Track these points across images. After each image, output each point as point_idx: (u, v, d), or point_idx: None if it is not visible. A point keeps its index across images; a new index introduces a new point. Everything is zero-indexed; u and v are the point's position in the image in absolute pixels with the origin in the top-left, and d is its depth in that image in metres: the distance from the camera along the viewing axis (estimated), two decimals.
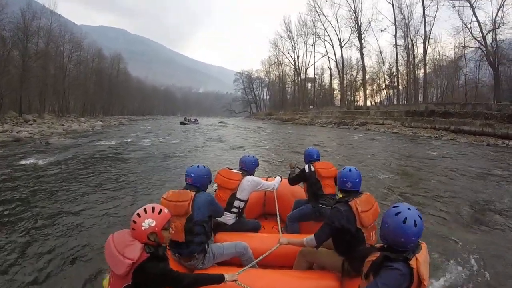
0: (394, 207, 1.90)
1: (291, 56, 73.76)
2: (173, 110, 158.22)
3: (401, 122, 33.96)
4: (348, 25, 56.29)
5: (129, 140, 19.97)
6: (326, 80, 70.68)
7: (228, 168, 3.92)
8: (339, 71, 60.74)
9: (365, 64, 56.18)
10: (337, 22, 58.13)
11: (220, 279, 2.22)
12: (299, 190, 4.55)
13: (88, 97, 58.92)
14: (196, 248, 2.78)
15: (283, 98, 79.02)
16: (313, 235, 2.66)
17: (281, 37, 73.60)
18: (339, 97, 64.89)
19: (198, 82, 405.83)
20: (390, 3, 48.58)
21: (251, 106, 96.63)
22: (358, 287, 2.11)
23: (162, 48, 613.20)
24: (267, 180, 4.47)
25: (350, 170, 2.76)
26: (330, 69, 65.02)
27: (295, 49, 71.50)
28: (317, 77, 70.51)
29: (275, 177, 4.63)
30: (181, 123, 48.95)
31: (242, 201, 3.74)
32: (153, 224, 1.89)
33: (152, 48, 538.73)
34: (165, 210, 2.00)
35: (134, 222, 1.89)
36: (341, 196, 2.80)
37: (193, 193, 2.81)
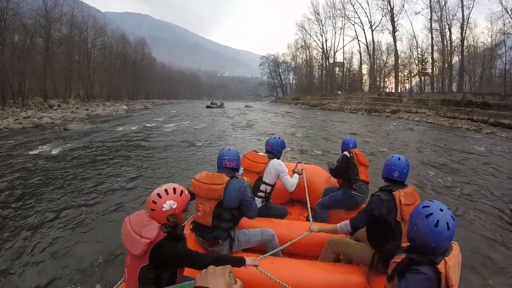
0: (425, 206, 1.72)
1: (319, 40, 70.35)
2: (198, 94, 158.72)
3: (435, 111, 31.76)
4: (379, 6, 53.14)
5: (152, 124, 19.19)
6: (355, 65, 67.46)
7: (254, 151, 3.83)
8: (369, 55, 57.64)
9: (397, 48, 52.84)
10: (368, 4, 54.74)
11: (240, 262, 2.12)
12: (330, 177, 4.45)
13: (113, 82, 58.72)
14: (221, 234, 2.69)
15: (310, 82, 75.84)
16: (347, 220, 2.57)
17: (309, 19, 70.42)
18: (368, 82, 62.10)
19: (224, 66, 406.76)
20: None
21: (277, 91, 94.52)
22: (384, 287, 1.98)
23: (186, 33, 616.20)
24: (296, 167, 4.38)
25: (399, 158, 2.62)
26: (360, 53, 61.72)
27: (323, 32, 68.23)
28: (345, 61, 67.10)
29: (303, 165, 4.60)
30: (207, 107, 49.15)
31: (269, 185, 3.68)
32: (174, 206, 1.89)
33: (177, 33, 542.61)
34: (186, 192, 1.99)
35: (154, 202, 1.86)
36: (385, 184, 2.62)
37: (228, 178, 2.69)
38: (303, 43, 76.34)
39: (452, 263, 1.61)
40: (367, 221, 2.51)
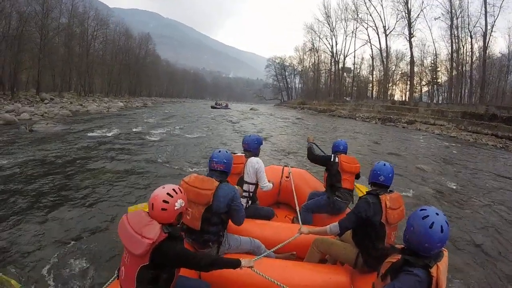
0: (422, 210, 1.84)
1: (328, 43, 68.04)
2: (202, 94, 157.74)
3: (456, 124, 29.55)
4: (395, 9, 50.76)
5: (138, 129, 15.92)
6: (364, 71, 65.29)
7: (232, 152, 3.34)
8: (383, 61, 55.20)
9: (407, 54, 50.82)
10: (382, 7, 52.38)
11: (236, 264, 2.14)
12: (316, 182, 4.70)
13: (113, 77, 56.48)
14: (211, 238, 2.70)
15: (317, 87, 73.39)
16: (337, 222, 2.68)
17: (319, 21, 68.32)
18: (375, 89, 59.98)
19: (228, 67, 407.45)
20: None
21: (282, 94, 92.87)
22: (372, 285, 2.09)
23: (193, 32, 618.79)
24: (283, 170, 4.76)
25: (384, 164, 2.76)
26: (372, 59, 59.15)
27: (333, 35, 65.97)
28: (356, 66, 64.68)
29: (290, 168, 4.79)
30: (212, 107, 49.20)
31: (252, 183, 3.67)
32: (183, 205, 1.95)
33: (183, 32, 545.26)
34: (184, 191, 2.03)
35: (166, 202, 1.88)
36: (371, 189, 2.75)
37: (217, 183, 2.66)
38: (312, 46, 74.21)
39: (443, 268, 1.72)
40: (355, 223, 2.61)
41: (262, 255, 2.71)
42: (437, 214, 1.75)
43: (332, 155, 4.03)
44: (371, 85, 62.51)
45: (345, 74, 66.69)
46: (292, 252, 3.20)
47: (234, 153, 3.60)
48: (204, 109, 45.27)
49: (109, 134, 13.11)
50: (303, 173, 4.97)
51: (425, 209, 1.80)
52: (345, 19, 62.02)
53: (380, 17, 54.10)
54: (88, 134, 12.77)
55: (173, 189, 1.93)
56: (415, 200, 6.82)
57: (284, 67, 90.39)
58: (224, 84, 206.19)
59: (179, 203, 1.90)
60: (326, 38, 68.02)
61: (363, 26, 57.80)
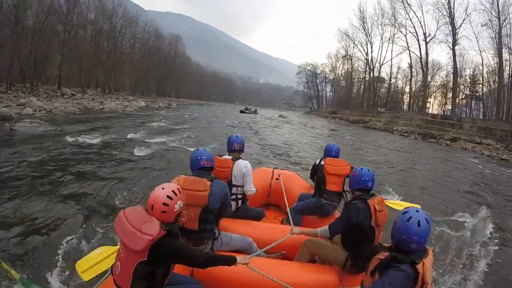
0: (406, 207, 1.99)
1: (363, 49, 63.74)
2: (231, 98, 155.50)
3: (505, 144, 25.46)
4: (437, 14, 46.24)
5: (136, 135, 12.88)
6: (400, 81, 60.64)
7: (218, 155, 3.59)
8: (422, 70, 50.79)
9: (445, 64, 46.46)
10: (422, 12, 48.09)
11: (232, 261, 2.19)
12: (305, 184, 4.77)
13: (140, 76, 55.73)
14: (206, 235, 2.77)
15: (350, 96, 69.24)
16: (327, 226, 2.78)
17: (354, 26, 63.84)
18: (410, 101, 55.51)
19: (259, 73, 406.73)
20: None
21: (312, 102, 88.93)
22: (361, 282, 2.16)
23: (225, 37, 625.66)
24: (273, 172, 4.84)
25: (368, 170, 2.81)
26: (411, 68, 54.52)
27: (368, 41, 61.67)
28: (391, 75, 60.05)
29: (280, 170, 4.94)
30: (241, 111, 49.85)
31: (240, 186, 3.64)
32: (182, 205, 1.97)
33: (216, 36, 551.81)
34: (183, 191, 2.04)
35: (166, 204, 1.89)
36: (357, 194, 2.79)
37: (209, 183, 2.71)
38: (346, 53, 70.02)
39: (428, 265, 1.81)
40: (345, 228, 2.69)
41: (256, 253, 2.79)
42: (417, 211, 1.88)
43: (319, 159, 4.13)
44: (406, 96, 58.05)
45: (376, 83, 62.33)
46: (281, 252, 3.19)
47: (220, 156, 3.61)
48: (232, 113, 42.87)
49: (94, 141, 10.39)
50: (293, 175, 5.07)
51: (408, 207, 1.97)
52: (381, 24, 57.67)
53: (420, 22, 49.71)
54: (68, 139, 10.16)
55: (173, 191, 1.94)
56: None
57: (316, 74, 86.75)
58: (254, 89, 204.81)
59: (178, 205, 1.92)
60: (361, 45, 63.88)
61: (401, 32, 53.53)
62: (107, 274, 2.14)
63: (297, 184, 4.70)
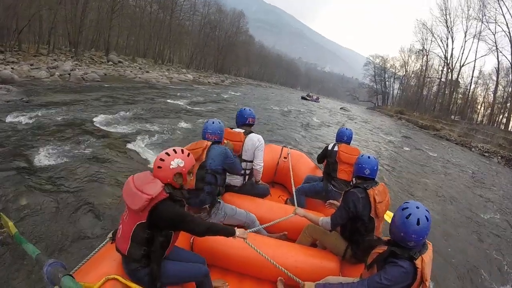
0: (405, 203, 1.90)
1: (443, 45, 54.41)
2: (293, 83, 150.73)
3: None
4: None
5: (132, 112, 10.21)
6: (480, 87, 50.49)
7: (229, 127, 3.50)
8: None
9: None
10: None
11: (231, 232, 2.15)
12: (313, 166, 4.62)
13: (198, 49, 53.63)
14: (206, 198, 2.77)
15: (420, 96, 60.89)
16: (329, 217, 2.71)
17: (435, 17, 55.31)
18: (484, 111, 46.89)
19: (325, 60, 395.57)
20: None
21: (377, 97, 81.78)
22: (360, 275, 2.13)
23: (293, 21, 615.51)
24: (282, 150, 4.70)
25: (369, 157, 2.76)
26: (498, 72, 44.39)
27: (450, 36, 52.18)
28: (473, 79, 50.26)
29: (289, 149, 4.78)
30: (302, 98, 48.36)
31: (250, 161, 3.51)
32: (182, 165, 1.91)
33: (284, 19, 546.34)
34: (191, 156, 2.02)
35: (162, 160, 1.87)
36: (357, 182, 2.72)
37: (209, 143, 2.78)
38: (422, 48, 61.12)
39: (427, 260, 1.78)
40: (346, 219, 2.61)
41: (255, 228, 2.81)
42: (417, 207, 1.80)
43: (332, 144, 3.95)
44: (484, 105, 48.80)
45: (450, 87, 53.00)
46: (284, 232, 3.17)
47: (231, 128, 3.51)
48: (289, 98, 38.55)
49: (64, 117, 7.67)
50: (302, 155, 4.93)
51: (408, 202, 1.87)
52: (467, 18, 48.04)
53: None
54: (14, 113, 7.63)
55: (174, 150, 1.93)
56: None
57: (385, 68, 79.24)
58: (318, 77, 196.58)
59: (176, 162, 1.87)
60: (441, 40, 54.63)
61: (489, 29, 43.53)
62: (106, 240, 2.12)
63: (304, 165, 4.61)
